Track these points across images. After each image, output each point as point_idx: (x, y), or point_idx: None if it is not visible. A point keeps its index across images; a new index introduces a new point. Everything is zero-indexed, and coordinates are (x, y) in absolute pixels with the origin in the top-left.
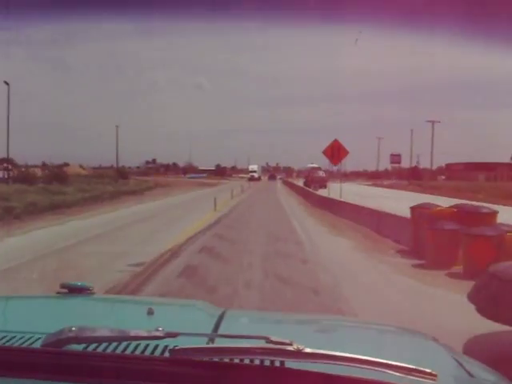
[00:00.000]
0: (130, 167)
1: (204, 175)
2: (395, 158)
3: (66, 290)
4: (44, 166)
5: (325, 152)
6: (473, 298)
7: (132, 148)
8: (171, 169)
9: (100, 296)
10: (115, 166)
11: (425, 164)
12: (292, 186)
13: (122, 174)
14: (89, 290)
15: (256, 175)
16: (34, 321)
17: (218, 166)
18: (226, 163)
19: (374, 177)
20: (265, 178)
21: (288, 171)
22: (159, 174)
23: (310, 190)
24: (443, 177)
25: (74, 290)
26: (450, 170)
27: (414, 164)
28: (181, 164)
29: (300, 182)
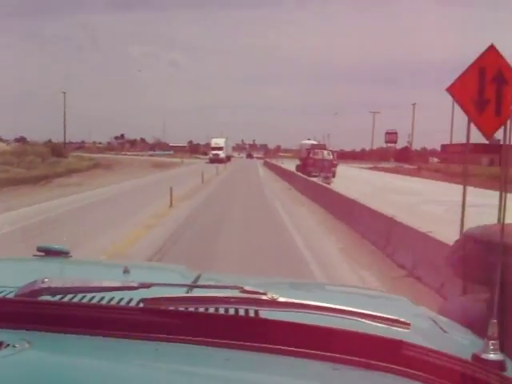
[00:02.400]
0: (99, 142)
1: (170, 152)
2: (391, 137)
3: (42, 254)
4: None
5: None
6: (448, 259)
7: (103, 123)
8: (138, 145)
9: (77, 259)
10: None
11: (422, 144)
12: (281, 173)
13: (55, 150)
14: (66, 253)
15: (222, 154)
16: (9, 278)
17: (190, 143)
18: (201, 140)
19: (359, 157)
20: (238, 160)
21: (266, 150)
22: (123, 150)
23: (317, 181)
24: (436, 159)
25: (51, 253)
26: (446, 152)
27: (405, 144)
28: (149, 140)
29: (288, 165)
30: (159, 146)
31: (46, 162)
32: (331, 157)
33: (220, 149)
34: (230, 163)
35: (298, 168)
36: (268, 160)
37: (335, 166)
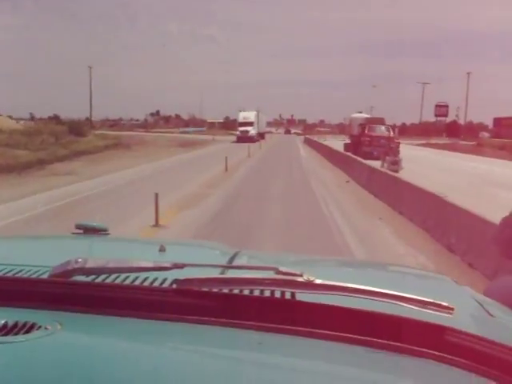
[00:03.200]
0: (137, 119)
1: (202, 129)
2: (441, 110)
3: (81, 231)
4: None
5: None
6: (495, 239)
7: (142, 100)
8: (172, 121)
9: (115, 237)
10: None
11: (467, 118)
12: (329, 154)
13: (74, 128)
14: (104, 230)
15: (252, 131)
16: (45, 257)
17: (226, 119)
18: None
19: (407, 132)
20: (275, 136)
21: (305, 125)
22: (157, 127)
23: (380, 166)
24: (486, 134)
25: (89, 231)
26: (499, 125)
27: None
28: (184, 116)
29: (331, 142)
30: (194, 122)
31: (59, 141)
32: (392, 133)
33: (250, 124)
34: (264, 141)
35: (348, 147)
36: (309, 137)
37: (397, 145)
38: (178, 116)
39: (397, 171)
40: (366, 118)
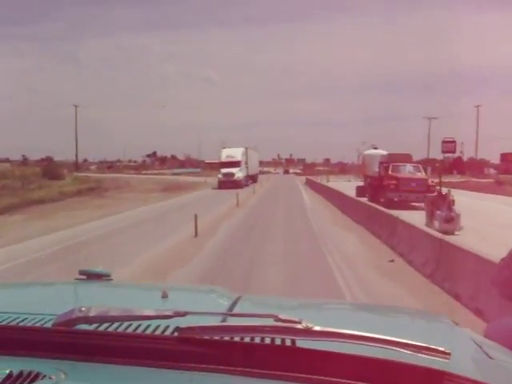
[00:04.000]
0: (135, 161)
1: (197, 170)
2: (449, 146)
3: (84, 277)
4: None
5: None
6: (494, 279)
7: (140, 141)
8: (168, 162)
9: (118, 282)
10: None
11: (473, 154)
12: (342, 204)
13: (49, 171)
14: (107, 276)
15: (239, 173)
16: (49, 304)
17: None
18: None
19: None
20: (273, 178)
21: (305, 164)
22: (153, 168)
23: (422, 223)
24: (493, 170)
25: (92, 277)
26: (507, 161)
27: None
28: (180, 157)
29: (337, 184)
30: (190, 163)
31: (27, 186)
32: (423, 174)
33: (235, 164)
34: (258, 185)
35: (361, 191)
36: (310, 177)
37: (432, 188)
38: (173, 157)
39: (453, 232)
40: (389, 155)
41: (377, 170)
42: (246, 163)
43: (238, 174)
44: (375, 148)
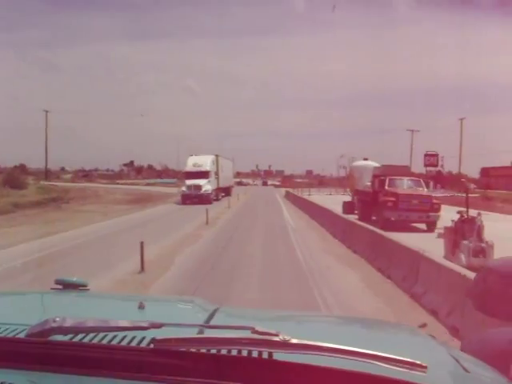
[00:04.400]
0: (112, 170)
1: (172, 180)
2: (431, 159)
3: (60, 287)
4: None
5: None
6: (470, 293)
7: (118, 150)
8: (145, 172)
9: (94, 293)
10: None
11: (455, 168)
12: (332, 223)
13: (10, 180)
14: (84, 286)
15: (207, 186)
16: (23, 315)
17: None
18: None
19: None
20: (251, 190)
21: (284, 176)
22: (129, 178)
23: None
24: (473, 185)
25: (68, 286)
26: (487, 176)
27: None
28: (157, 166)
29: (318, 198)
30: (167, 173)
31: None
32: (426, 190)
33: (203, 175)
34: (234, 198)
35: (349, 208)
36: (290, 190)
37: (437, 207)
38: (150, 166)
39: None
40: (383, 167)
41: (368, 183)
42: (217, 174)
43: (207, 186)
44: (365, 159)
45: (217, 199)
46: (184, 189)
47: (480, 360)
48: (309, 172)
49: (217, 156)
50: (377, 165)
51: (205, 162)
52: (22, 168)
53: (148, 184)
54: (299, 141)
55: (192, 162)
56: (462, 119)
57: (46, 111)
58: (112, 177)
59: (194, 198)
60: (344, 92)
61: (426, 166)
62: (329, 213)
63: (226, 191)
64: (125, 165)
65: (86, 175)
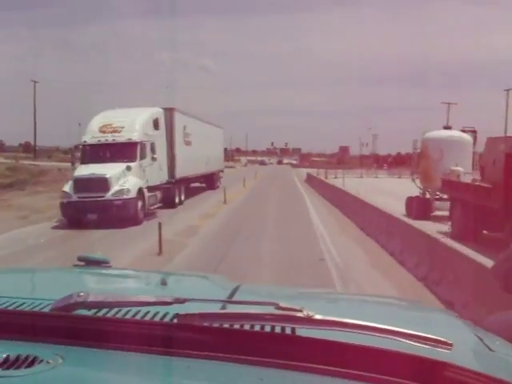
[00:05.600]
0: None
1: None
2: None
3: (83, 263)
4: None
5: None
6: (495, 272)
7: None
8: None
9: (117, 269)
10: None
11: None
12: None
13: None
14: (106, 262)
15: (128, 185)
16: (47, 290)
17: None
18: (232, 145)
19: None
20: (264, 171)
21: (301, 155)
22: None
23: None
24: None
25: (91, 263)
26: None
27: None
28: None
29: (350, 184)
30: None
31: None
32: None
33: (121, 153)
34: (235, 191)
35: (423, 209)
36: (313, 172)
37: None
38: None
39: None
40: None
41: (457, 170)
42: (172, 148)
43: (128, 182)
44: (447, 128)
45: (173, 204)
46: (67, 190)
47: (504, 339)
48: (296, 150)
49: (170, 111)
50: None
51: (129, 122)
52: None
53: None
54: (318, 118)
55: (99, 124)
56: (508, 90)
57: (35, 82)
58: None
59: (92, 210)
60: (365, 69)
61: None
62: (394, 220)
63: (210, 181)
64: None
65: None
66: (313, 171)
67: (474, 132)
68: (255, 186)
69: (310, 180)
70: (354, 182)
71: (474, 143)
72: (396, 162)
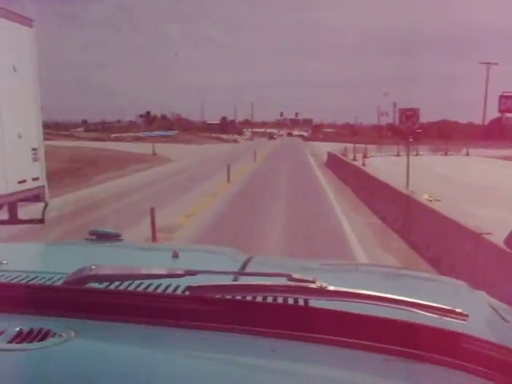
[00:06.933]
0: (131, 121)
1: (172, 133)
2: (508, 103)
3: (94, 237)
4: None
5: None
6: (508, 242)
7: (141, 101)
8: (158, 122)
9: (128, 243)
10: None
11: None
12: None
13: None
14: (118, 236)
15: None
16: (59, 263)
17: (223, 120)
18: (240, 117)
19: (449, 136)
20: (269, 147)
21: (314, 126)
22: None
23: None
24: None
25: (102, 237)
26: None
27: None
28: (170, 116)
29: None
30: (179, 124)
31: None
32: None
33: None
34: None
35: None
36: (334, 152)
37: None
38: (164, 117)
39: None
40: None
41: None
42: None
43: None
44: None
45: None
46: None
47: None
48: (307, 121)
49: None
50: None
51: None
52: None
53: (136, 138)
54: (330, 89)
55: None
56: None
57: None
58: (124, 129)
59: None
60: (376, 39)
61: (501, 111)
62: None
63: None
64: (141, 116)
65: (94, 129)
66: (332, 147)
67: None
68: (241, 187)
69: (334, 165)
70: (401, 167)
71: None
72: (424, 134)
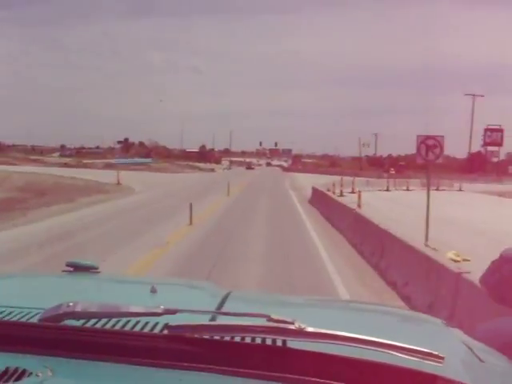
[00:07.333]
0: (111, 148)
1: (146, 160)
2: (493, 136)
3: (71, 269)
4: None
5: None
6: (484, 281)
7: (121, 128)
8: (135, 149)
9: (106, 275)
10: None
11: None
12: None
13: None
14: (95, 268)
15: None
16: (35, 298)
17: (202, 148)
18: (220, 145)
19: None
20: (244, 182)
21: (294, 157)
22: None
23: None
24: None
25: (79, 269)
26: None
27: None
28: (148, 144)
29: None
30: (156, 151)
31: None
32: None
33: None
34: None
35: None
36: (319, 186)
37: None
38: (141, 144)
39: None
40: None
41: None
42: None
43: None
44: None
45: None
46: None
47: (493, 349)
48: (286, 151)
49: None
50: None
51: None
52: None
53: (107, 166)
54: (309, 120)
55: None
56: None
57: None
58: (100, 155)
59: None
60: (355, 71)
61: (485, 144)
62: None
63: None
64: (119, 142)
65: (79, 152)
66: (313, 180)
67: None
68: (204, 233)
69: (320, 203)
70: (399, 207)
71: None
72: (407, 166)
